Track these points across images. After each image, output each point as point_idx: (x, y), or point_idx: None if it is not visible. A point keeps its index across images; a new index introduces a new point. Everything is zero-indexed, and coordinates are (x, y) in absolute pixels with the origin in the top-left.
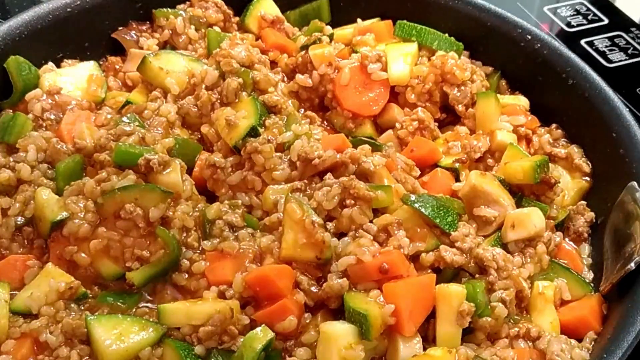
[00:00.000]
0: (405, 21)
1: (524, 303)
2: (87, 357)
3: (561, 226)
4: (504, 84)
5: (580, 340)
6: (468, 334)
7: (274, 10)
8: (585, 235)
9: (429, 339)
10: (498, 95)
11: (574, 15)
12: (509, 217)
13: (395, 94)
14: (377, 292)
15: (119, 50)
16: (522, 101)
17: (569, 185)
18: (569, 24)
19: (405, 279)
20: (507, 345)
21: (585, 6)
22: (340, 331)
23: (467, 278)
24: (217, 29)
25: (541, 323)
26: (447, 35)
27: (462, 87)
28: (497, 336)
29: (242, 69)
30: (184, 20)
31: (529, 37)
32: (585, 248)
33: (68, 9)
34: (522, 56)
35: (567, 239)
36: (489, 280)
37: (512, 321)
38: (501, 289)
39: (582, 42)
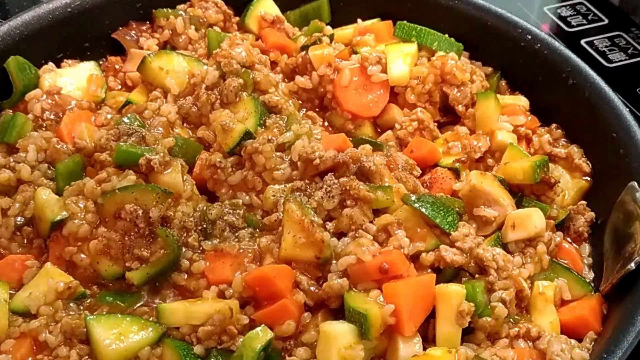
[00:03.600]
0: (405, 22)
1: (524, 303)
2: (87, 357)
3: (561, 226)
4: (504, 84)
5: (580, 340)
6: (468, 334)
7: (274, 10)
8: (586, 235)
9: (429, 339)
10: (498, 95)
11: (574, 15)
12: (509, 217)
13: (395, 95)
14: (377, 292)
15: (119, 50)
16: (522, 101)
17: (569, 185)
18: (569, 24)
19: (405, 279)
20: (507, 345)
21: (585, 6)
22: (340, 331)
23: (467, 278)
24: (217, 29)
25: (541, 323)
26: (447, 35)
27: (462, 88)
28: (497, 336)
29: (243, 69)
30: (184, 20)
31: (529, 37)
32: (586, 248)
33: (68, 9)
34: (522, 56)
35: (567, 239)
36: (489, 280)
37: (512, 321)
38: (501, 289)
39: (582, 42)
